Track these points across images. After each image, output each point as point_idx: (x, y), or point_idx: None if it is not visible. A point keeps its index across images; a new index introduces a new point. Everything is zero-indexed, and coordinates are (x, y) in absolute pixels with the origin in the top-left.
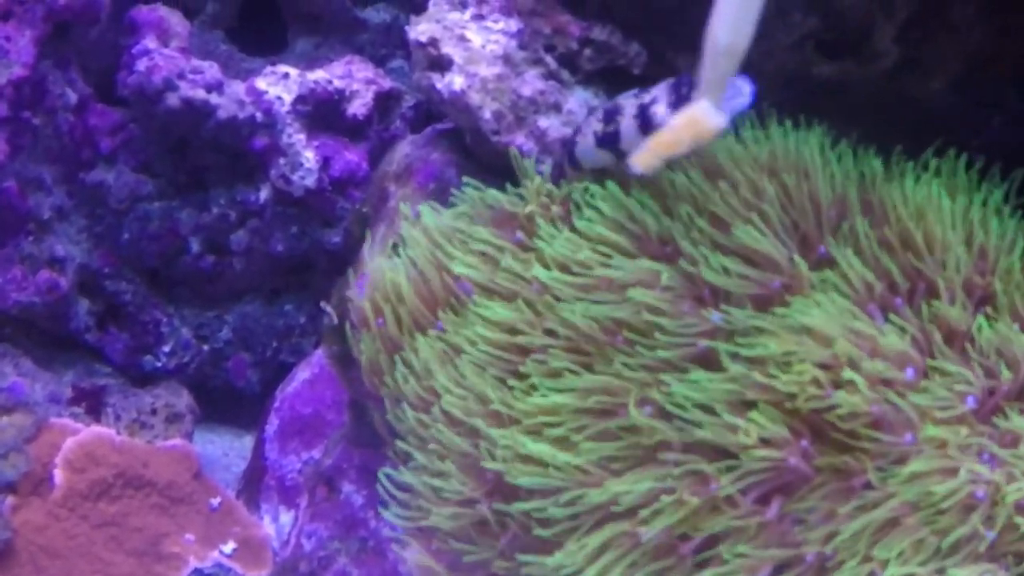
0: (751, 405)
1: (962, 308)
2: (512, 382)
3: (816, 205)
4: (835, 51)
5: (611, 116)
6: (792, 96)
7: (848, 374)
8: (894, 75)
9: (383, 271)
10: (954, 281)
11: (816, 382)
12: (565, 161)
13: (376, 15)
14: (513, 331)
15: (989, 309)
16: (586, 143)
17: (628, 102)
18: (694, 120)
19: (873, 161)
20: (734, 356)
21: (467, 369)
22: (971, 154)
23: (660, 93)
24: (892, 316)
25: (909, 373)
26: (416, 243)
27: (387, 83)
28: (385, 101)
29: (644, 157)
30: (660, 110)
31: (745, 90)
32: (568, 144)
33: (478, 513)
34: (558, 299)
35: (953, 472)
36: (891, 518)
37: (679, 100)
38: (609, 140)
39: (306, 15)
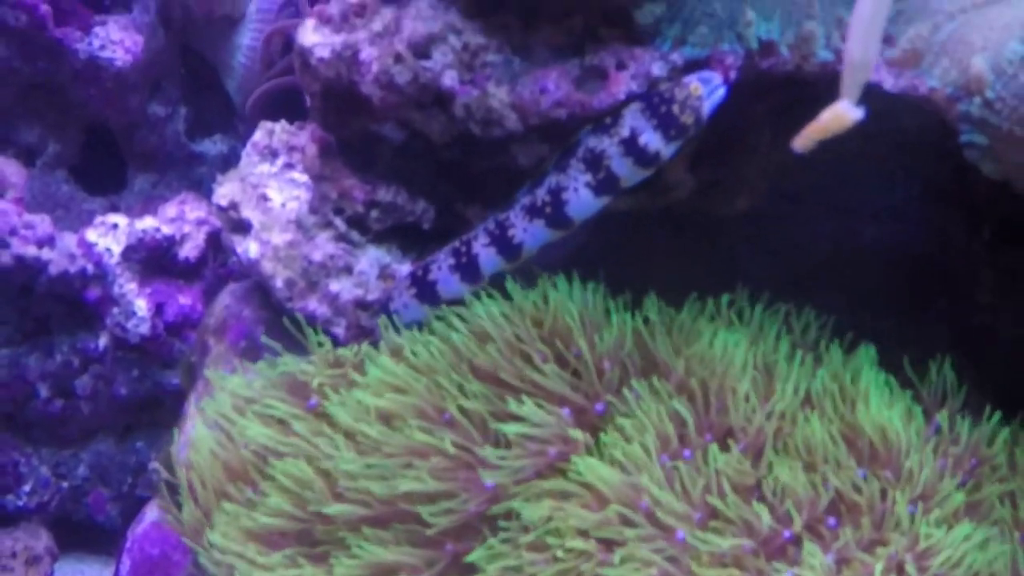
0: None
1: (751, 456)
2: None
3: (597, 363)
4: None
5: (595, 164)
6: (597, 229)
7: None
8: (695, 199)
9: (195, 438)
10: (744, 428)
11: (584, 553)
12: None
13: (213, 147)
14: (304, 500)
15: (779, 450)
16: (583, 198)
17: (602, 144)
18: (840, 115)
19: (654, 312)
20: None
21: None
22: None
23: (635, 123)
24: (680, 466)
25: (679, 535)
26: (220, 412)
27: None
28: (219, 238)
29: (801, 141)
30: (653, 139)
31: (717, 84)
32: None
33: None
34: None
35: None
36: None
37: (663, 122)
38: (609, 185)
39: (142, 153)
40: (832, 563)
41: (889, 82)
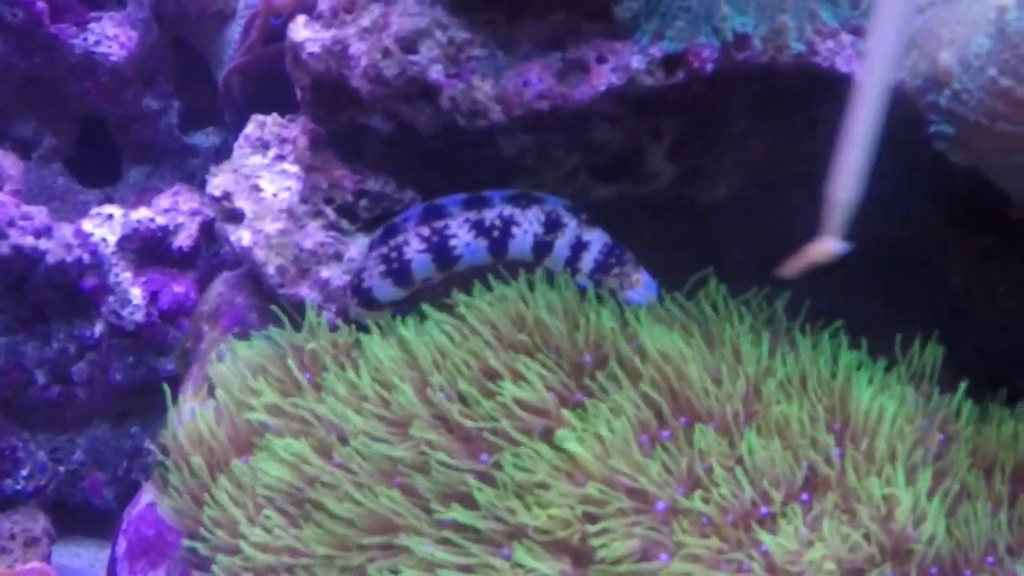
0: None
1: (727, 437)
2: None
3: (576, 357)
4: (609, 175)
5: (552, 228)
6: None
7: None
8: (676, 186)
9: (189, 417)
10: (719, 411)
11: (567, 523)
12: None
13: (205, 139)
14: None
15: (757, 429)
16: (523, 243)
17: (566, 223)
18: (824, 249)
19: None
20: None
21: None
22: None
23: (591, 239)
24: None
25: (660, 506)
26: (223, 383)
27: (212, 212)
28: (212, 228)
29: (787, 269)
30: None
31: (651, 290)
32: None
33: None
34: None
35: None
36: None
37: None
38: (544, 248)
39: (136, 145)
40: (806, 532)
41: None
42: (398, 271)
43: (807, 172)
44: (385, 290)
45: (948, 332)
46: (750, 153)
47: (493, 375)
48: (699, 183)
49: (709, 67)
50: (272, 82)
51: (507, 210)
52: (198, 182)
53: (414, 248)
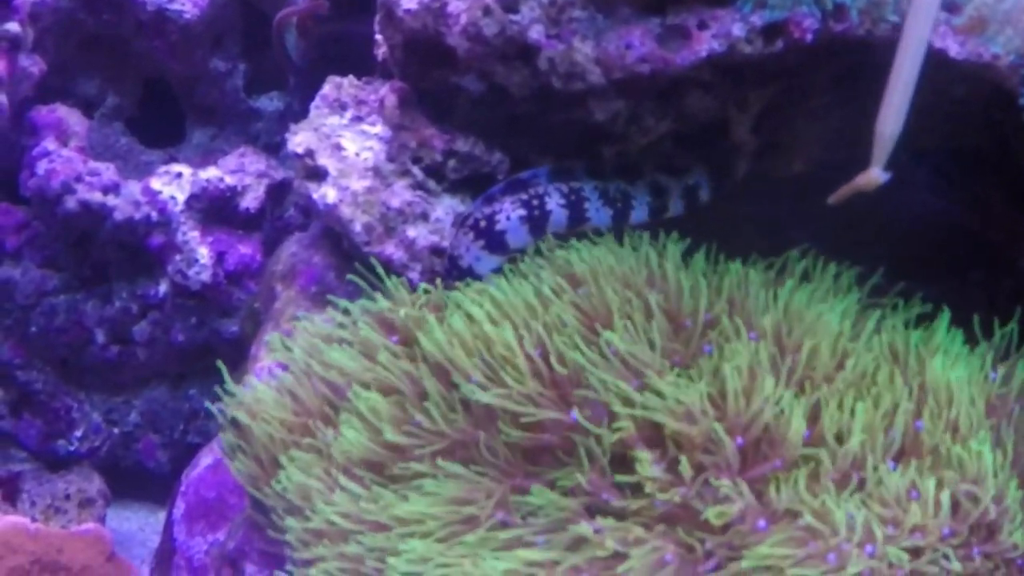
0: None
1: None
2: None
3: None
4: (694, 144)
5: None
6: None
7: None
8: (752, 162)
9: (266, 376)
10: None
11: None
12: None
13: (269, 103)
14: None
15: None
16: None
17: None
18: (871, 179)
19: (732, 267)
20: None
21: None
22: None
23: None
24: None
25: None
26: (300, 347)
27: (279, 174)
28: (278, 191)
29: (836, 197)
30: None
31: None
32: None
33: None
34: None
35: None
36: None
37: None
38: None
39: (201, 106)
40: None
41: (954, 49)
42: (536, 218)
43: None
44: (519, 236)
45: (1010, 316)
46: (829, 129)
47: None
48: (777, 158)
49: (809, 37)
50: (334, 44)
51: (622, 185)
52: (261, 145)
53: (554, 201)
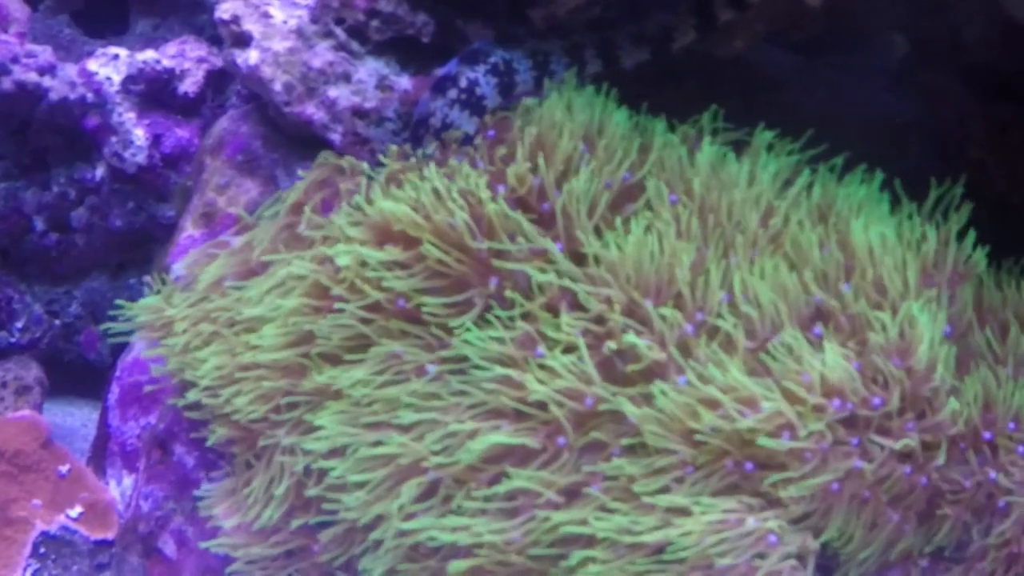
0: None
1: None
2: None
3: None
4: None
5: None
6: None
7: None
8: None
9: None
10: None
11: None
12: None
13: None
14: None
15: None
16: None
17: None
18: None
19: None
20: None
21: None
22: None
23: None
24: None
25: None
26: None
27: (220, 61)
28: (219, 79)
29: None
30: None
31: None
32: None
33: None
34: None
35: None
36: None
37: None
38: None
39: None
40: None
41: None
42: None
43: (825, 41)
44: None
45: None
46: (774, 8)
47: None
48: (718, 37)
49: None
50: None
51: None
52: (207, 36)
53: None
